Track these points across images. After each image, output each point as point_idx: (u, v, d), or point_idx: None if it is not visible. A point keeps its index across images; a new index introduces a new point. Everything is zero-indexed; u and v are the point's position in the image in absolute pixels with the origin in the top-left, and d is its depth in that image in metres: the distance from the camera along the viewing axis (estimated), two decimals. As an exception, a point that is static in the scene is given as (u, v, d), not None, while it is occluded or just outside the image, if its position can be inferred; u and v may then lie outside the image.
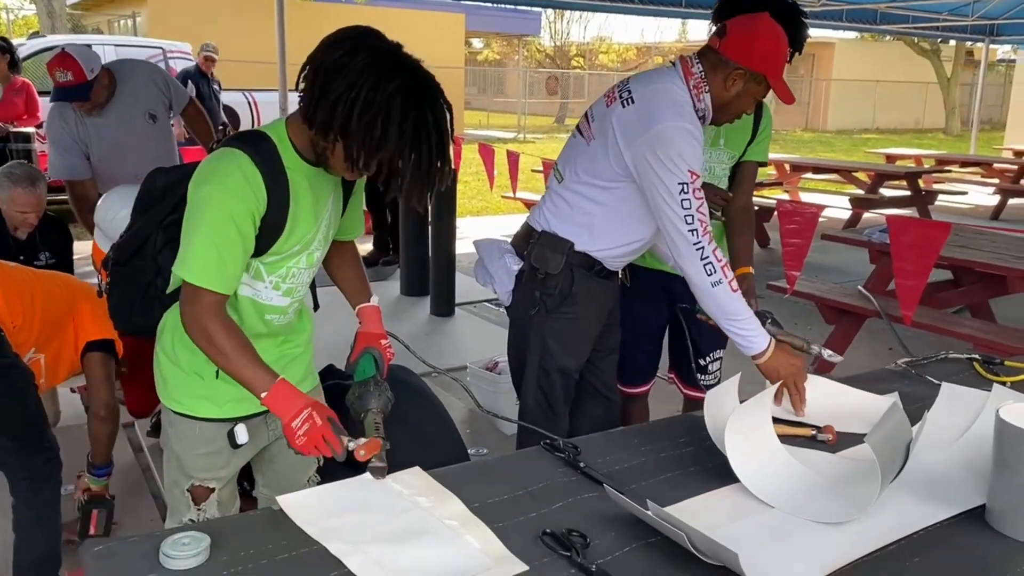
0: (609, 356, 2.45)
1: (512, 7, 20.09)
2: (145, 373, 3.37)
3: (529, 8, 20.48)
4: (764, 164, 2.74)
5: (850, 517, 1.48)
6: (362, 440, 1.50)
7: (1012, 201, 10.68)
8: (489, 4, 13.66)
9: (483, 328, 5.38)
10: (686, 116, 2.02)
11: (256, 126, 7.54)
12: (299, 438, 1.49)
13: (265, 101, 9.61)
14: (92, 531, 2.71)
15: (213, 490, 1.77)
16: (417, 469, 1.54)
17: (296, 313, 1.78)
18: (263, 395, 1.52)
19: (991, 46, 14.38)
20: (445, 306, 5.51)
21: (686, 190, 1.96)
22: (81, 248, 3.99)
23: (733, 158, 2.63)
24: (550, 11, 26.79)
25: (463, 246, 6.01)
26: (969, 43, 21.28)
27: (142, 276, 1.73)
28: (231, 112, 9.12)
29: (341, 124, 1.46)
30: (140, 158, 3.81)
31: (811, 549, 1.40)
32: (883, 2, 10.60)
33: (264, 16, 10.61)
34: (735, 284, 2.00)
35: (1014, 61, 18.99)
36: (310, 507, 1.40)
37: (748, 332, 1.98)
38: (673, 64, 2.13)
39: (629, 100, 2.07)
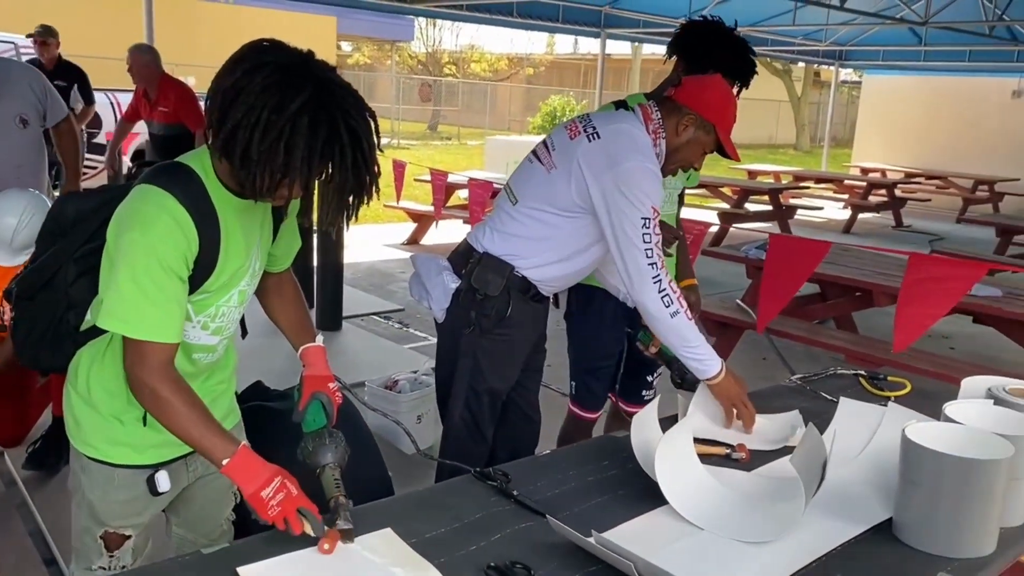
0: (534, 375, 2.48)
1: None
2: (14, 401, 3.15)
3: (401, 15, 20.37)
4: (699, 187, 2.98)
5: (776, 536, 1.55)
6: (327, 526, 1.42)
7: (861, 216, 11.47)
8: (360, 9, 13.49)
9: (373, 342, 5.29)
10: (649, 157, 2.09)
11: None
12: (272, 508, 1.40)
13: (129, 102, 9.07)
14: None
15: (129, 537, 1.66)
16: (388, 532, 1.48)
17: (224, 349, 1.70)
18: (224, 462, 1.42)
19: (840, 69, 15.45)
20: (332, 319, 5.37)
21: (647, 225, 2.02)
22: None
23: (684, 183, 2.80)
24: (423, 18, 26.73)
25: (347, 256, 5.90)
26: (817, 65, 22.71)
27: (52, 311, 1.59)
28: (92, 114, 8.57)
29: (242, 152, 1.34)
30: (3, 164, 3.56)
31: (746, 570, 1.46)
32: (744, 25, 11.18)
33: (128, 9, 10.07)
34: (689, 312, 2.07)
35: (859, 82, 20.40)
36: None
37: (704, 356, 2.05)
38: (633, 109, 2.20)
39: (595, 135, 2.11)
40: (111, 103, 9.04)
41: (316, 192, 1.44)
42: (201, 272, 1.49)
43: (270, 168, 1.35)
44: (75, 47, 8.26)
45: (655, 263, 2.03)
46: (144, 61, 5.75)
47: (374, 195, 1.45)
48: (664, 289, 2.02)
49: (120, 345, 1.53)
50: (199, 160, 1.49)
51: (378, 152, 1.43)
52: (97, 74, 7.91)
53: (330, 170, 1.38)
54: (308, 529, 1.42)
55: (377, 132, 1.43)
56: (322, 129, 1.34)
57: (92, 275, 1.52)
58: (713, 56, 2.41)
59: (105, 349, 1.57)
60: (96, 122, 8.65)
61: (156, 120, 5.86)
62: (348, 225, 1.45)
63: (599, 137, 2.10)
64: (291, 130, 1.32)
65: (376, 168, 1.43)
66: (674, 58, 2.55)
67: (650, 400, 2.78)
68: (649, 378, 2.80)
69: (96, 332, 1.56)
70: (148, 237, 1.39)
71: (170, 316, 1.44)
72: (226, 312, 1.61)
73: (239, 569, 1.34)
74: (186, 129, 5.71)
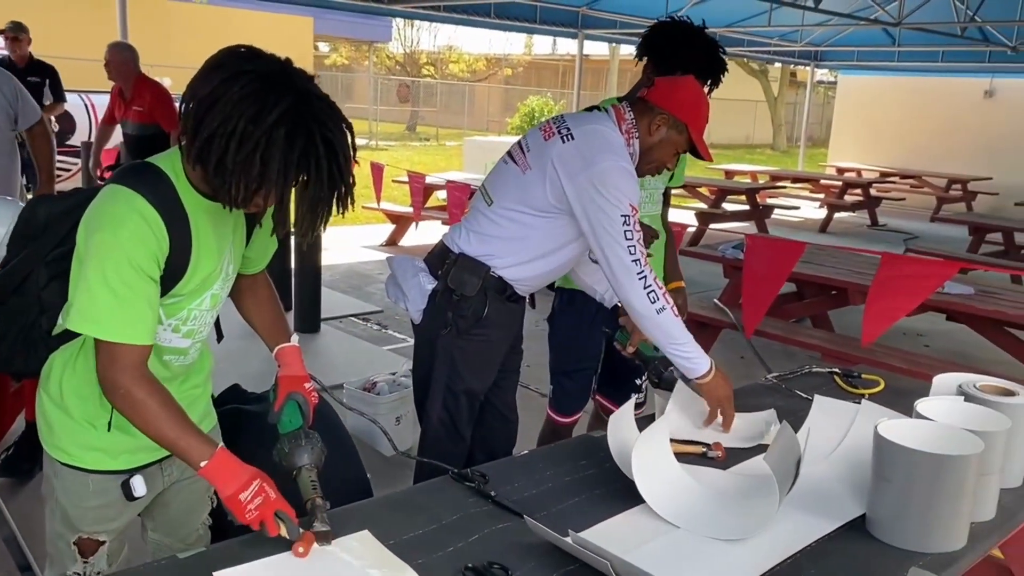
0: (511, 376, 2.48)
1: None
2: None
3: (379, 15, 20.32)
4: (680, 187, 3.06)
5: (751, 533, 1.57)
6: (304, 529, 1.43)
7: (837, 215, 11.58)
8: (337, 9, 13.43)
9: (352, 344, 5.28)
10: (623, 156, 2.10)
11: (94, 130, 6.92)
12: (249, 512, 1.41)
13: (104, 104, 8.95)
14: None
15: (103, 543, 1.64)
16: (365, 534, 1.48)
17: (197, 352, 1.69)
18: (202, 465, 1.42)
19: (815, 70, 15.59)
20: (311, 322, 5.35)
21: (628, 222, 2.03)
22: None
23: (665, 182, 2.80)
24: (400, 18, 26.67)
25: (325, 258, 5.87)
26: (794, 66, 22.91)
27: (24, 315, 1.58)
28: (66, 115, 8.47)
29: (217, 161, 1.35)
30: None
31: (722, 567, 1.48)
32: (721, 26, 11.25)
33: (102, 9, 9.95)
34: (676, 309, 2.07)
35: (834, 83, 20.59)
36: None
37: (692, 355, 2.05)
38: (606, 110, 2.21)
39: (569, 136, 2.11)
40: (85, 104, 8.97)
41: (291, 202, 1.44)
42: (172, 275, 1.48)
43: (245, 179, 1.35)
44: (48, 47, 8.18)
45: (639, 259, 2.03)
46: (122, 59, 5.68)
47: (348, 206, 1.46)
48: (650, 285, 2.02)
49: (92, 348, 1.53)
50: (170, 161, 1.48)
51: (354, 163, 1.44)
52: (70, 75, 7.84)
53: (305, 181, 1.38)
54: (284, 532, 1.42)
55: (353, 144, 1.44)
56: (299, 141, 1.34)
57: (64, 279, 1.51)
58: (680, 56, 2.43)
59: (78, 353, 1.56)
60: (70, 124, 8.58)
61: (131, 120, 5.80)
62: (315, 230, 1.44)
63: (573, 138, 2.10)
64: (267, 142, 1.32)
65: (351, 180, 1.44)
66: (645, 59, 2.56)
67: (642, 404, 2.79)
68: (638, 381, 2.80)
69: (69, 336, 1.55)
70: (117, 237, 1.38)
71: (141, 316, 1.42)
72: (198, 316, 1.60)
73: (215, 573, 1.34)
74: (160, 129, 5.66)
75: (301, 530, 1.42)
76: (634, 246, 2.03)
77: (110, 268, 1.38)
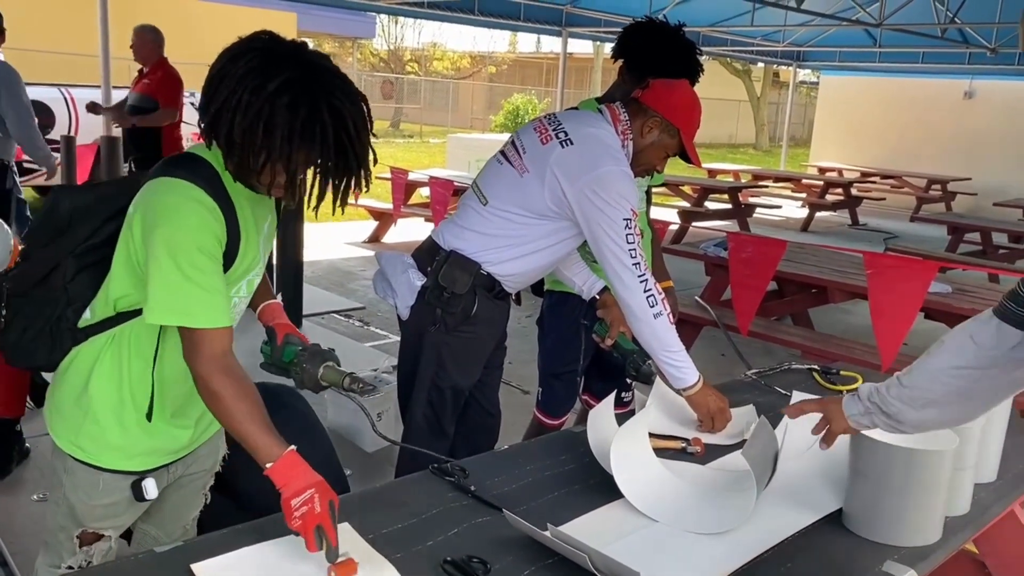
0: (495, 372, 2.48)
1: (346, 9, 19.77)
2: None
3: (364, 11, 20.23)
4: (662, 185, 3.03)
5: (729, 527, 1.58)
6: (342, 558, 1.36)
7: (819, 214, 11.65)
8: (321, 5, 13.32)
9: (334, 340, 5.25)
10: (622, 160, 2.11)
11: (74, 124, 6.97)
12: (295, 520, 1.36)
13: (84, 98, 8.87)
14: None
15: (104, 537, 1.63)
16: (345, 526, 1.47)
17: None
18: (268, 466, 1.39)
19: (798, 70, 15.70)
20: (292, 318, 5.29)
21: (629, 226, 2.04)
22: None
23: (649, 181, 2.79)
24: (384, 15, 26.59)
25: (307, 254, 5.85)
26: (776, 66, 23.05)
27: (50, 308, 1.55)
28: (45, 109, 8.38)
29: (225, 135, 1.37)
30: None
31: (699, 561, 1.49)
32: (704, 26, 11.30)
33: (83, 3, 9.86)
34: (672, 317, 2.08)
35: (816, 83, 20.72)
36: (228, 574, 1.32)
37: (682, 364, 2.06)
38: (600, 110, 2.21)
39: (568, 142, 2.10)
40: (64, 98, 8.88)
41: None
42: (224, 262, 1.49)
43: (252, 149, 1.37)
44: (27, 41, 8.10)
45: (639, 263, 2.04)
46: (143, 41, 5.95)
47: (364, 181, 1.45)
48: (650, 289, 2.04)
49: (125, 342, 1.53)
50: (214, 153, 1.48)
51: (370, 135, 1.44)
52: (50, 68, 7.78)
53: (307, 155, 1.39)
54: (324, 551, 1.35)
55: (369, 117, 1.44)
56: (302, 110, 1.35)
57: (93, 271, 1.52)
58: (655, 58, 2.43)
59: (107, 347, 1.54)
60: (49, 118, 8.48)
61: (136, 91, 6.04)
62: (334, 208, 1.46)
63: (572, 143, 2.10)
64: (270, 110, 1.34)
65: (366, 151, 1.43)
66: (621, 60, 2.56)
67: (629, 402, 2.80)
68: (628, 380, 2.79)
69: (95, 330, 1.54)
70: (184, 227, 1.40)
71: (222, 299, 1.45)
72: (237, 303, 1.60)
73: (193, 566, 1.34)
74: (154, 104, 5.88)
75: (341, 555, 1.34)
76: (635, 249, 2.04)
77: (183, 258, 1.39)
